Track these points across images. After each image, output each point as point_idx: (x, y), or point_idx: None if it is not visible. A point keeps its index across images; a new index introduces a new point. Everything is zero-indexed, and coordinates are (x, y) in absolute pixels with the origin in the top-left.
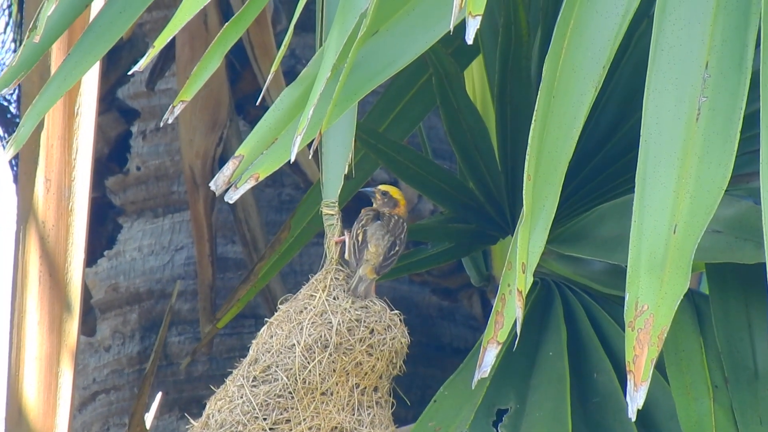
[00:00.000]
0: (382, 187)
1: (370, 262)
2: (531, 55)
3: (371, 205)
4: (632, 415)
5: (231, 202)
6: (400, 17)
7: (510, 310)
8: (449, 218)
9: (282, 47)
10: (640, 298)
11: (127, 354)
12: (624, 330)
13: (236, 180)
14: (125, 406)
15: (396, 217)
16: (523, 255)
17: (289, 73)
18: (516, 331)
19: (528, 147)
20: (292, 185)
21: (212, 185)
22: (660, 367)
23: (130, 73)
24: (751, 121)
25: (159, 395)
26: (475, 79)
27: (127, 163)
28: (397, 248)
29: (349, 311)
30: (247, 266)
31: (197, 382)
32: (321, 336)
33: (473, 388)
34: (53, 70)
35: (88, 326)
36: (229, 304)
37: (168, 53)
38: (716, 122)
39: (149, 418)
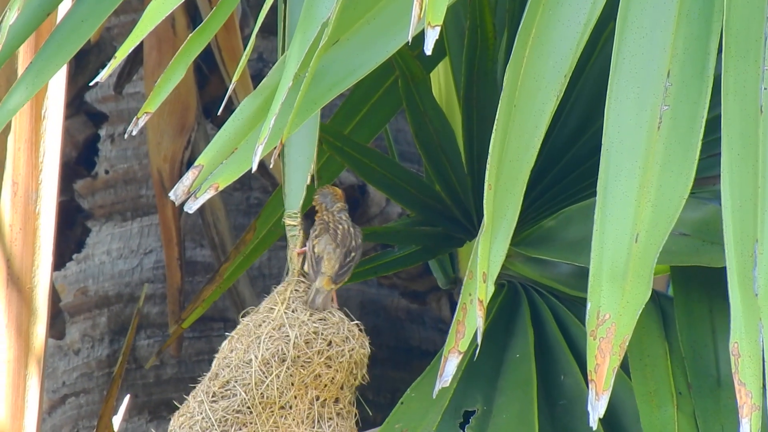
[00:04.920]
0: (317, 195)
1: (326, 274)
2: (497, 58)
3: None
4: (593, 424)
5: (190, 212)
6: (360, 26)
7: (471, 319)
8: (416, 221)
9: (246, 50)
10: (602, 307)
11: (96, 357)
12: None
13: (196, 189)
14: (95, 409)
15: (342, 226)
16: (484, 264)
17: (257, 77)
18: (478, 340)
19: (489, 156)
20: (260, 189)
21: (172, 195)
22: (627, 368)
23: (91, 84)
24: (719, 123)
25: (127, 398)
26: (441, 81)
27: (95, 167)
28: (353, 255)
29: (307, 324)
30: (216, 269)
31: (166, 385)
32: (278, 350)
33: (434, 397)
34: (20, 73)
35: (57, 330)
36: (194, 305)
37: (136, 57)
38: (678, 131)
39: (117, 420)
